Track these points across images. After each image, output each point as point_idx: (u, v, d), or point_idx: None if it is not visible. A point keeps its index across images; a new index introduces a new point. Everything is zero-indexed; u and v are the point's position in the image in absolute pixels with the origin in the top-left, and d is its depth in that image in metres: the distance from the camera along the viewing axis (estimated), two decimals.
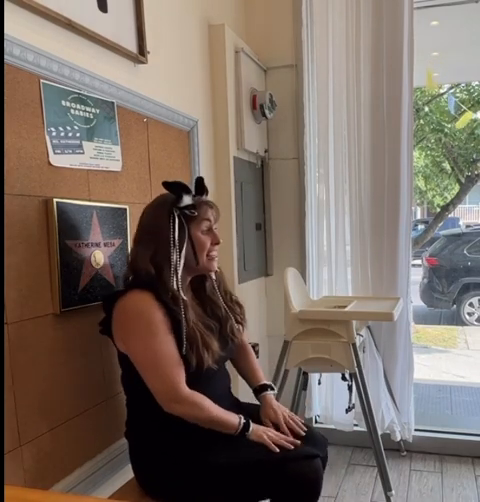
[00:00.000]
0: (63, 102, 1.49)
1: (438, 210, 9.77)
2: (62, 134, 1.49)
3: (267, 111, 2.63)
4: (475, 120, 7.86)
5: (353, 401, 2.44)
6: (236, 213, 2.50)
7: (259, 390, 1.72)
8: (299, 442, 1.51)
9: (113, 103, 1.69)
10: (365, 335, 2.58)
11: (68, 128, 1.51)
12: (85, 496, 1.50)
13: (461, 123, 6.83)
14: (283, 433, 1.56)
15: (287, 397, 2.49)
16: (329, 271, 2.81)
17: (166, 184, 1.53)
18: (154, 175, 1.93)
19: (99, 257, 1.62)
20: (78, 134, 1.55)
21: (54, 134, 1.46)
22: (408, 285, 2.69)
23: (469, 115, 6.83)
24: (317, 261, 2.85)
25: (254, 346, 2.47)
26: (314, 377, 2.75)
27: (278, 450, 1.46)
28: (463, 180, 8.41)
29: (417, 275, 7.24)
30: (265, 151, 2.84)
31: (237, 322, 1.69)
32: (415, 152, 8.47)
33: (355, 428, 2.84)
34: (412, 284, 2.84)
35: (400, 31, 2.49)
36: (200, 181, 1.60)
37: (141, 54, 1.83)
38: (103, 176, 1.66)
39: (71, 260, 1.51)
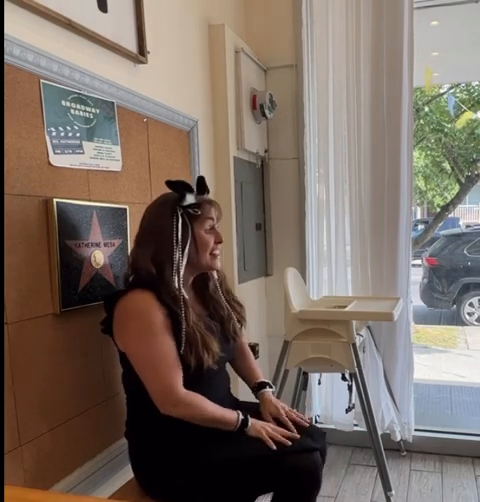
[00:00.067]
0: (63, 102, 1.49)
1: (438, 210, 9.76)
2: (62, 134, 1.49)
3: (267, 111, 2.64)
4: (475, 120, 7.86)
5: (353, 401, 2.44)
6: (236, 213, 2.50)
7: (258, 388, 1.72)
8: (298, 436, 1.52)
9: (113, 103, 1.69)
10: (365, 335, 2.58)
11: (68, 128, 1.51)
12: (85, 496, 1.50)
13: (461, 122, 6.84)
14: (285, 426, 1.56)
15: (287, 397, 2.49)
16: (329, 271, 2.81)
17: (169, 183, 1.54)
18: (154, 175, 1.93)
19: (99, 257, 1.62)
20: (78, 134, 1.55)
21: (54, 134, 1.46)
22: (408, 285, 2.69)
23: (469, 114, 6.84)
24: (317, 261, 2.85)
25: (254, 346, 2.48)
26: (314, 377, 2.75)
27: (275, 447, 1.46)
28: (463, 180, 8.41)
29: (417, 275, 7.24)
30: (265, 151, 2.84)
31: (237, 321, 1.69)
32: (415, 152, 8.47)
33: (355, 428, 2.84)
34: (412, 284, 2.85)
35: (400, 31, 2.49)
36: (201, 180, 1.60)
37: (141, 54, 1.83)
38: (103, 176, 1.66)
39: (71, 260, 1.51)
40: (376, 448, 2.30)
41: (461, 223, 13.48)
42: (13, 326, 1.33)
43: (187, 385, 1.46)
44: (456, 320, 7.34)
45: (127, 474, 1.64)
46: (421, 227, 11.66)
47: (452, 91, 7.83)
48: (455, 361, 5.52)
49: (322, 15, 2.68)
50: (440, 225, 8.75)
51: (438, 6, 2.78)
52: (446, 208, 8.43)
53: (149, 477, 1.54)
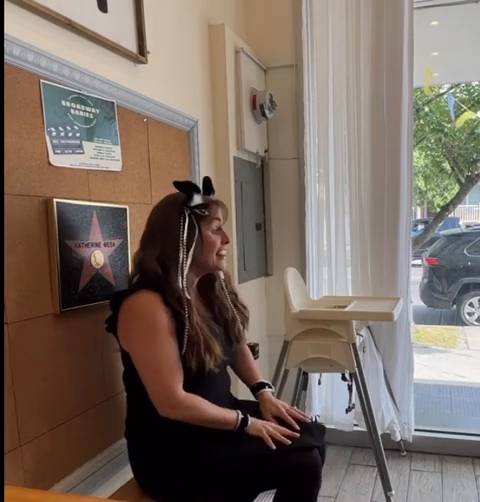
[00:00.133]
0: (63, 102, 1.49)
1: (438, 210, 9.76)
2: (62, 134, 1.49)
3: (267, 111, 2.64)
4: (475, 120, 7.86)
5: (353, 401, 2.44)
6: (236, 213, 2.50)
7: (257, 388, 1.73)
8: (298, 435, 1.52)
9: (113, 103, 1.69)
10: (365, 335, 2.58)
11: (68, 128, 1.51)
12: (85, 496, 1.50)
13: (461, 121, 6.84)
14: (287, 424, 1.56)
15: (287, 397, 2.49)
16: (329, 271, 2.81)
17: (177, 183, 1.54)
18: (154, 175, 1.93)
19: (99, 257, 1.62)
20: (78, 134, 1.55)
21: (54, 134, 1.46)
22: (408, 285, 2.69)
23: (469, 114, 6.84)
24: (317, 261, 2.84)
25: (254, 346, 2.48)
26: (314, 377, 2.75)
27: (275, 447, 1.47)
28: (463, 180, 8.41)
29: (417, 275, 7.24)
30: (265, 151, 2.84)
31: (241, 323, 1.69)
32: (415, 152, 8.46)
33: (355, 428, 2.84)
34: (412, 284, 2.85)
35: (400, 31, 2.49)
36: (208, 181, 1.60)
37: (141, 54, 1.83)
38: (103, 176, 1.66)
39: (71, 260, 1.51)
40: (376, 448, 2.30)
41: (461, 223, 13.48)
42: (13, 326, 1.33)
43: (188, 387, 1.46)
44: (456, 320, 7.34)
45: (127, 474, 1.64)
46: (421, 227, 11.66)
47: (452, 91, 7.83)
48: (455, 361, 5.52)
49: (322, 15, 2.68)
50: (440, 225, 8.75)
51: (438, 6, 2.78)
52: (446, 208, 8.43)
53: (148, 476, 1.54)
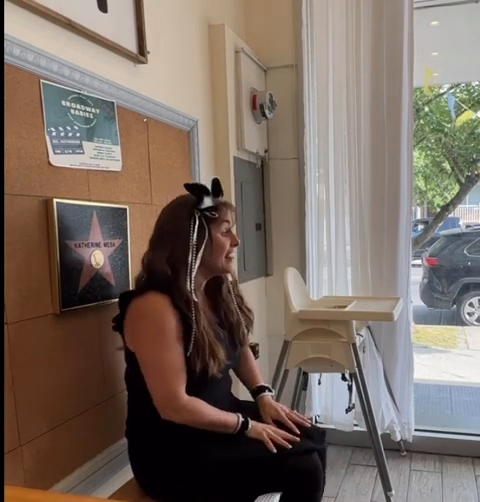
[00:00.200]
0: (63, 102, 1.49)
1: (438, 210, 9.76)
2: (62, 134, 1.49)
3: (267, 111, 2.64)
4: (475, 120, 7.86)
5: (353, 401, 2.44)
6: (236, 213, 2.49)
7: (257, 391, 1.73)
8: (298, 439, 1.52)
9: (113, 103, 1.69)
10: (365, 335, 2.58)
11: (68, 128, 1.51)
12: (85, 496, 1.50)
13: (461, 119, 6.84)
14: (287, 428, 1.56)
15: (287, 397, 2.49)
16: (329, 271, 2.81)
17: (188, 186, 1.55)
18: (154, 175, 1.93)
19: (99, 257, 1.62)
20: (78, 134, 1.55)
21: (54, 134, 1.46)
22: (408, 285, 2.69)
23: (469, 114, 6.84)
24: (317, 261, 2.84)
25: (254, 346, 2.48)
26: (314, 377, 2.75)
27: (275, 451, 1.46)
28: (463, 180, 8.40)
29: (417, 275, 7.24)
30: (265, 151, 2.84)
31: (245, 327, 1.69)
32: (415, 152, 8.46)
33: (355, 428, 2.84)
34: (412, 284, 2.85)
35: (400, 31, 2.49)
36: (217, 183, 1.59)
37: (141, 54, 1.83)
38: (103, 176, 1.66)
39: (71, 260, 1.51)
40: (376, 448, 2.30)
41: (461, 223, 13.47)
42: (13, 326, 1.33)
43: (189, 389, 1.47)
44: (456, 320, 7.34)
45: (127, 474, 1.64)
46: (421, 227, 11.65)
47: (452, 91, 7.83)
48: (455, 361, 5.52)
49: (322, 15, 2.68)
50: (440, 225, 8.74)
51: (438, 6, 2.78)
52: (446, 208, 8.43)
53: (149, 477, 1.54)
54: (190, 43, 2.26)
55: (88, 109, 1.58)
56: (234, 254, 1.62)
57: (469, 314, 7.32)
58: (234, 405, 1.64)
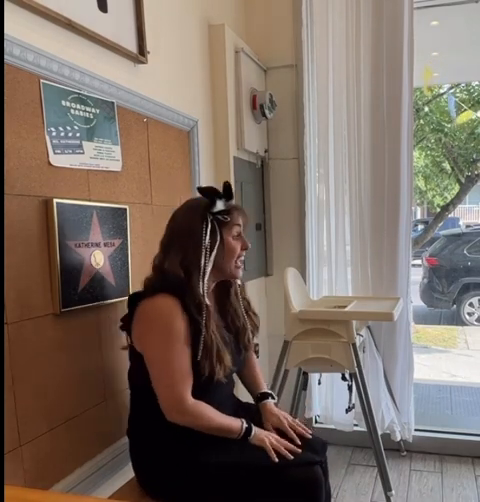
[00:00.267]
0: (63, 102, 1.49)
1: (438, 210, 9.75)
2: (62, 134, 1.49)
3: (267, 111, 2.64)
4: (475, 120, 7.86)
5: (353, 401, 2.44)
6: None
7: (260, 398, 1.72)
8: (300, 451, 1.51)
9: (113, 103, 1.69)
10: (365, 335, 2.58)
11: (68, 128, 1.51)
12: (85, 496, 1.50)
13: (462, 118, 6.84)
14: (288, 438, 1.56)
15: (287, 397, 2.49)
16: (329, 271, 2.81)
17: (201, 189, 1.55)
18: (154, 175, 1.93)
19: (99, 257, 1.62)
20: (78, 134, 1.55)
21: (54, 134, 1.46)
22: (408, 285, 2.69)
23: (469, 114, 6.84)
24: (317, 261, 2.85)
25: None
26: (314, 377, 2.75)
27: (277, 460, 1.46)
28: (463, 180, 8.40)
29: (417, 275, 7.24)
30: (265, 151, 2.84)
31: (251, 331, 1.70)
32: (415, 152, 8.46)
33: (355, 428, 2.84)
34: (412, 284, 2.84)
35: (400, 31, 2.49)
36: (228, 186, 1.59)
37: (141, 54, 1.83)
38: (103, 176, 1.66)
39: (71, 260, 1.51)
40: (376, 448, 2.30)
41: (461, 223, 13.47)
42: (13, 326, 1.33)
43: (194, 392, 1.47)
44: (456, 320, 7.34)
45: (127, 474, 1.64)
46: (421, 227, 11.65)
47: (452, 91, 7.83)
48: (455, 361, 5.52)
49: (322, 15, 2.68)
50: (440, 225, 8.74)
51: (438, 6, 2.78)
52: (446, 208, 8.42)
53: (150, 476, 1.54)
54: (190, 43, 2.26)
55: (88, 109, 1.58)
56: (243, 258, 1.61)
57: (469, 314, 7.31)
58: (236, 407, 1.65)
